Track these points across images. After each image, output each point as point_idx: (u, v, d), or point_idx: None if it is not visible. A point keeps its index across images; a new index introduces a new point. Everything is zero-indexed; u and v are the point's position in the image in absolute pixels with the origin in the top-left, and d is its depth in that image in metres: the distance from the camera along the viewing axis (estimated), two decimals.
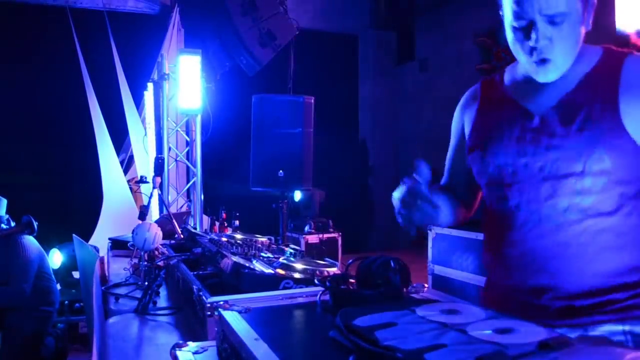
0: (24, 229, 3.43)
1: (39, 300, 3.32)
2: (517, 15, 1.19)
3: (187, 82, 5.05)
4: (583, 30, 1.21)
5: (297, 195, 6.12)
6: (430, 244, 4.48)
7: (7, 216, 3.47)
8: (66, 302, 3.67)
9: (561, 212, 1.22)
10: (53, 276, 3.50)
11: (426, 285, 1.28)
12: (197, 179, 5.39)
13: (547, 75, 1.23)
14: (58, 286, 3.79)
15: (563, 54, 1.20)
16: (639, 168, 1.19)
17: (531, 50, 1.20)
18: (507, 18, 1.23)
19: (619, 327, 1.18)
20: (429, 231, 4.49)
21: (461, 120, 1.49)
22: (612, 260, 1.20)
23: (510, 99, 1.34)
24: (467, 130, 1.44)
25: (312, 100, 5.49)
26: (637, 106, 1.18)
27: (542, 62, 1.21)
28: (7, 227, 3.38)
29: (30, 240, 3.39)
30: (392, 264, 1.24)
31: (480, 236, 3.87)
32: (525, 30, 1.20)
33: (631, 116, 1.18)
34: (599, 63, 1.25)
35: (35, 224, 3.45)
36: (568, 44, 1.19)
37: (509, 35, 1.25)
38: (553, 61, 1.21)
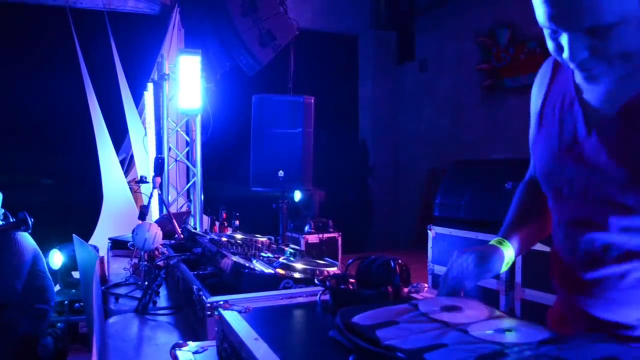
0: (19, 225, 3.41)
1: (34, 298, 3.31)
2: (544, 20, 0.92)
3: (187, 82, 5.05)
4: None
5: (297, 195, 6.12)
6: (430, 244, 4.48)
7: (2, 210, 3.46)
8: (66, 302, 3.67)
9: (598, 249, 1.02)
10: (49, 274, 3.50)
11: (426, 285, 1.28)
12: (197, 179, 5.39)
13: (596, 82, 0.98)
14: (57, 287, 3.79)
15: (615, 62, 0.92)
16: None
17: (565, 61, 0.95)
18: (537, 15, 0.94)
19: None
20: (429, 231, 4.49)
21: (535, 104, 1.20)
22: None
23: (577, 88, 1.06)
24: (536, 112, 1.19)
25: (312, 100, 5.49)
26: None
27: (585, 70, 0.96)
28: (3, 222, 3.37)
29: (25, 237, 3.38)
30: (392, 264, 1.24)
31: (480, 236, 3.87)
32: (558, 38, 0.94)
33: None
34: None
35: (31, 220, 3.44)
36: (621, 50, 0.90)
37: (544, 30, 0.97)
38: (600, 72, 0.94)
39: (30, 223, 3.40)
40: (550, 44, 0.97)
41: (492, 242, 1.19)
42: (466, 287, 1.12)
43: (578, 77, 1.01)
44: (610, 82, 0.97)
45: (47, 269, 3.49)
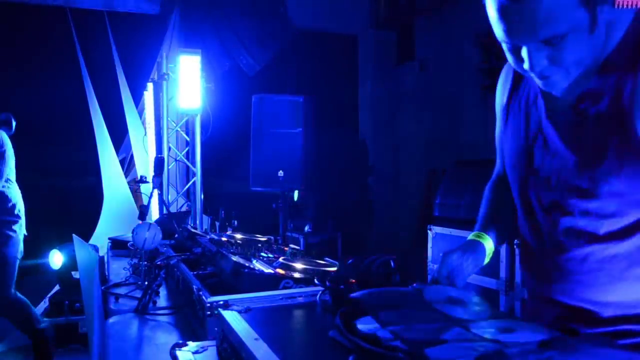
0: (2, 124, 3.48)
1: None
2: (502, 36, 0.97)
3: (187, 82, 5.05)
4: (595, 26, 0.93)
5: (297, 195, 6.12)
6: (430, 244, 4.48)
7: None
8: (66, 302, 3.66)
9: (561, 232, 1.07)
10: (16, 185, 3.48)
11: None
12: (197, 178, 5.39)
13: (552, 89, 1.03)
14: (57, 287, 3.79)
15: (571, 68, 0.98)
16: None
17: (526, 71, 1.01)
18: (495, 31, 0.99)
19: None
20: (429, 231, 4.49)
21: (500, 102, 1.28)
22: (626, 291, 1.03)
23: (533, 85, 1.13)
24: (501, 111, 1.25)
25: (312, 100, 5.49)
26: None
27: (544, 78, 1.01)
28: None
29: (4, 137, 3.42)
30: (392, 263, 1.24)
31: None
32: (516, 50, 0.99)
33: None
34: (621, 40, 0.98)
35: (14, 123, 3.50)
36: (575, 57, 0.96)
37: (502, 44, 1.03)
38: (555, 78, 1.00)
39: (13, 125, 3.43)
40: (510, 58, 1.03)
41: (471, 237, 1.26)
42: (458, 285, 1.17)
43: (537, 82, 1.05)
44: (567, 85, 1.02)
45: (14, 178, 3.45)
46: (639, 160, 0.96)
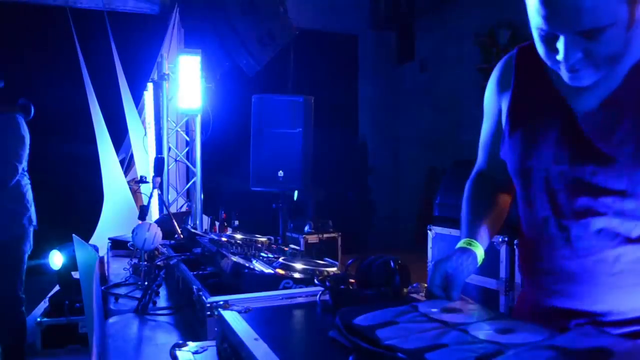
0: (21, 110, 3.43)
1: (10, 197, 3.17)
2: (540, 23, 0.95)
3: (187, 82, 5.05)
4: (632, 23, 0.94)
5: (297, 195, 6.12)
6: (430, 244, 4.48)
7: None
8: (66, 302, 3.66)
9: (593, 234, 1.05)
10: (29, 175, 3.43)
11: (426, 285, 1.28)
12: (197, 179, 5.39)
13: (580, 82, 1.01)
14: (57, 287, 3.78)
15: (602, 64, 0.97)
16: None
17: (557, 62, 0.99)
18: (531, 17, 0.98)
19: None
20: (429, 231, 4.49)
21: (497, 100, 1.25)
22: None
23: (550, 83, 1.11)
24: (504, 110, 1.22)
25: (312, 100, 5.49)
26: None
27: (573, 71, 0.99)
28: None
29: (24, 124, 3.38)
30: (392, 264, 1.24)
31: None
32: (551, 39, 0.97)
33: None
34: None
35: (32, 109, 3.44)
36: (610, 52, 0.95)
37: (534, 32, 1.01)
38: (587, 73, 0.98)
39: (31, 111, 3.39)
40: (540, 47, 1.01)
41: (461, 245, 1.22)
42: (453, 297, 1.13)
43: (564, 75, 1.03)
44: (593, 81, 1.01)
45: (27, 168, 3.36)
46: None
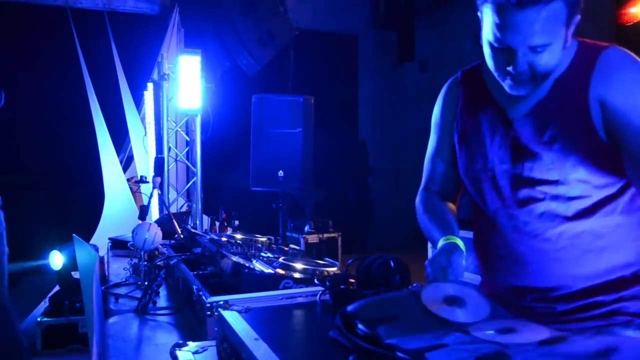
0: None
1: None
2: (498, 39, 1.12)
3: (187, 82, 5.04)
4: (566, 44, 1.14)
5: (297, 195, 6.12)
6: (430, 244, 4.47)
7: None
8: (66, 302, 3.67)
9: (537, 217, 1.21)
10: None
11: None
12: (197, 178, 5.39)
13: (519, 92, 1.19)
14: (57, 287, 3.78)
15: (541, 74, 1.15)
16: (615, 169, 1.16)
17: (506, 73, 1.16)
18: (486, 33, 1.15)
19: None
20: None
21: (445, 116, 1.43)
22: (592, 262, 1.19)
23: (490, 97, 1.30)
24: (452, 125, 1.39)
25: (312, 100, 5.49)
26: (609, 106, 1.12)
27: (517, 82, 1.16)
28: None
29: None
30: (391, 263, 1.24)
31: None
32: (504, 52, 1.13)
33: (601, 116, 1.13)
34: (572, 63, 1.20)
35: (3, 94, 3.18)
36: (548, 66, 1.14)
37: (485, 47, 1.18)
38: (527, 84, 1.16)
39: (2, 98, 3.14)
40: (491, 60, 1.17)
41: (443, 242, 1.30)
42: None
43: (506, 85, 1.19)
44: (529, 91, 1.19)
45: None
46: (599, 154, 1.14)
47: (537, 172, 1.19)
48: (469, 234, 1.34)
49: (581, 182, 1.16)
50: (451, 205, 1.48)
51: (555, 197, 1.19)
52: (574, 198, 1.18)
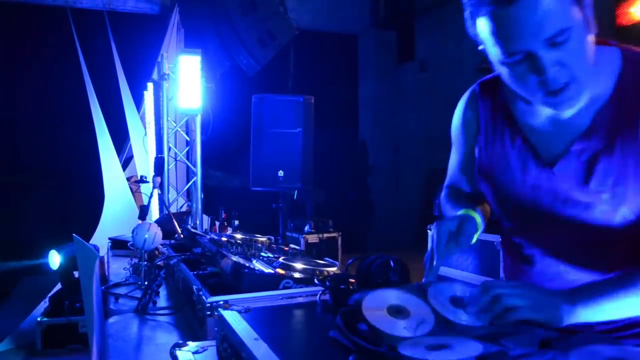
0: None
1: None
2: (507, 52, 0.94)
3: (187, 82, 5.04)
4: (591, 38, 0.95)
5: (297, 195, 6.11)
6: (430, 244, 4.48)
7: None
8: (66, 301, 3.66)
9: (578, 269, 1.09)
10: None
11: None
12: (197, 178, 5.39)
13: (571, 106, 1.00)
14: (58, 287, 3.77)
15: (580, 72, 0.95)
16: None
17: (540, 84, 0.95)
18: (494, 55, 0.98)
19: None
20: (429, 231, 4.49)
21: (467, 140, 1.26)
22: None
23: (515, 124, 1.13)
24: (475, 149, 1.23)
25: (312, 100, 5.49)
26: None
27: (561, 91, 0.95)
28: None
29: None
30: (391, 263, 1.24)
31: (479, 236, 3.86)
32: (522, 64, 0.95)
33: None
34: (618, 82, 0.99)
35: None
36: (582, 57, 0.94)
37: (502, 70, 1.00)
38: (573, 86, 0.95)
39: None
40: (514, 81, 0.98)
41: (460, 212, 1.21)
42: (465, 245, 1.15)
43: (547, 103, 1.01)
44: (573, 101, 0.99)
45: None
46: None
47: (581, 220, 1.05)
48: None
49: (629, 228, 1.01)
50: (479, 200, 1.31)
51: (600, 244, 1.06)
52: (619, 242, 1.04)
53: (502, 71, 0.99)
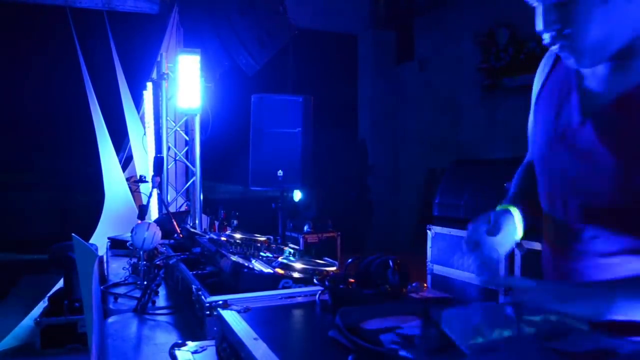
0: None
1: None
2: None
3: (186, 81, 5.04)
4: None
5: (297, 195, 6.12)
6: (429, 244, 4.48)
7: None
8: (66, 301, 3.66)
9: (585, 240, 1.03)
10: None
11: (425, 284, 1.28)
12: (197, 178, 5.39)
13: (593, 82, 1.01)
14: (58, 287, 3.78)
15: (587, 42, 0.94)
16: None
17: (541, 33, 0.99)
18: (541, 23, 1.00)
19: None
20: (428, 231, 4.49)
21: (536, 88, 1.22)
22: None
23: (575, 73, 1.08)
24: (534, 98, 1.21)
25: (312, 100, 5.49)
26: None
27: (561, 50, 0.99)
28: None
29: None
30: (391, 263, 1.24)
31: None
32: (537, 10, 0.98)
33: None
34: None
35: None
36: (589, 28, 0.92)
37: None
38: (574, 53, 0.97)
39: None
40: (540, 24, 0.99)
41: (499, 208, 1.19)
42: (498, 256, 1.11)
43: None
44: (609, 69, 0.98)
45: None
46: None
47: (596, 184, 1.00)
48: None
49: None
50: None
51: (618, 220, 0.99)
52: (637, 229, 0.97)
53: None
